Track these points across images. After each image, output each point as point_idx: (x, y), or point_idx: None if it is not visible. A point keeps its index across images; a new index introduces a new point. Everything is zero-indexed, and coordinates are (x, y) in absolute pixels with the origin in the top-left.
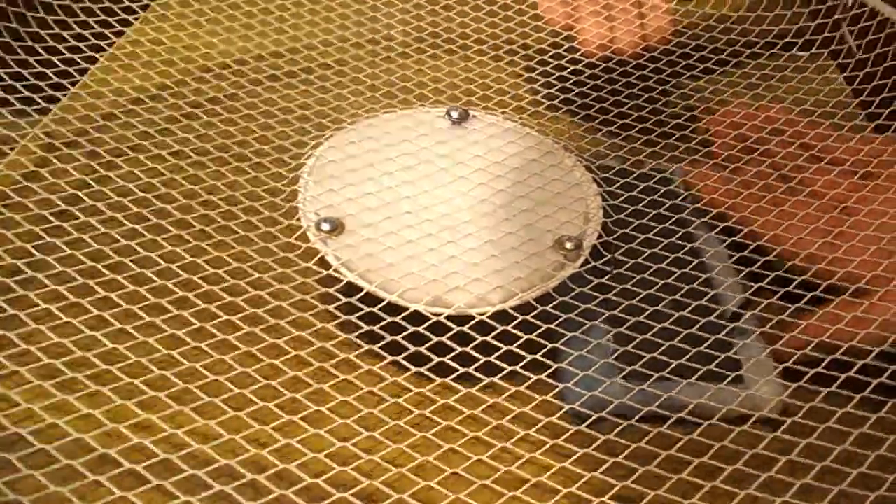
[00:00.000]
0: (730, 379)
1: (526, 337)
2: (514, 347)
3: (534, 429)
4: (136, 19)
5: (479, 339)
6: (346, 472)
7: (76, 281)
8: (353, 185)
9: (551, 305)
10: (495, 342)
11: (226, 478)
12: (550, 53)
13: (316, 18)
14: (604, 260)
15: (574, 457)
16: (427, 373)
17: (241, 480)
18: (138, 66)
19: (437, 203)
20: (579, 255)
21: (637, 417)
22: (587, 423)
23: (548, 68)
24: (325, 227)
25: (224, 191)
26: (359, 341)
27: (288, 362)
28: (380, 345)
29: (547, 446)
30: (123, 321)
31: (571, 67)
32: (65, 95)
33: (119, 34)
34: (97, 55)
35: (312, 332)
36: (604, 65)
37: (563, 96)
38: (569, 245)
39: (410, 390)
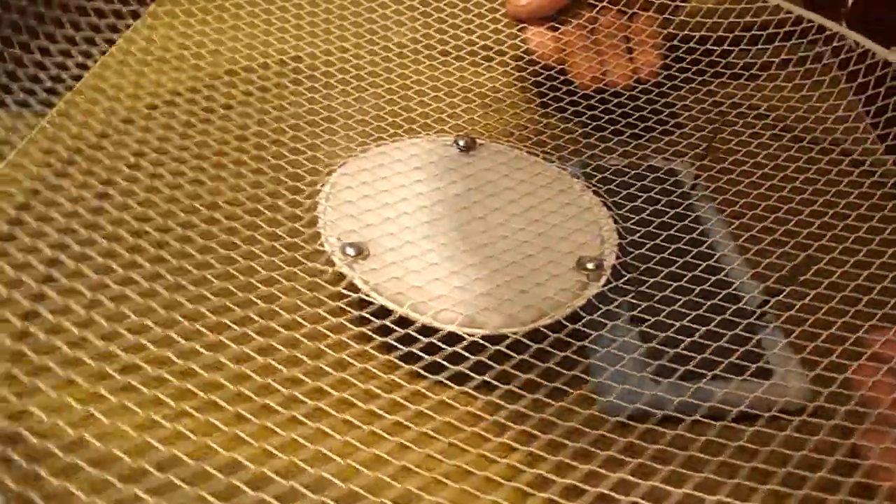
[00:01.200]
0: (758, 373)
1: (562, 354)
2: (552, 364)
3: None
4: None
5: (517, 357)
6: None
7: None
8: (372, 211)
9: (581, 323)
10: (533, 360)
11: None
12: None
13: (327, 25)
14: (625, 279)
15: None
16: (471, 391)
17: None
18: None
19: (455, 228)
20: (601, 275)
21: (657, 414)
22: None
23: (546, 99)
24: (350, 251)
25: (242, 216)
26: (399, 362)
27: (332, 384)
28: (419, 364)
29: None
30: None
31: (568, 99)
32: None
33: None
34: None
35: (352, 354)
36: (598, 96)
37: (562, 116)
38: (590, 265)
39: (456, 407)
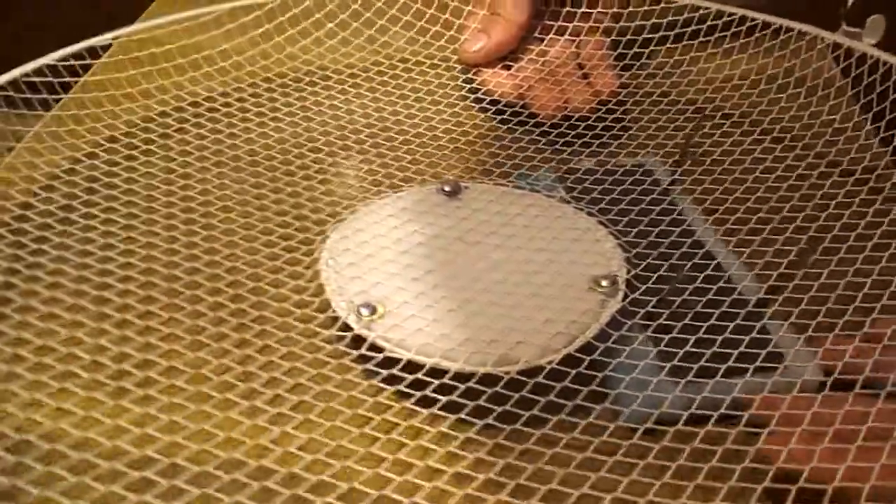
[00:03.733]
0: (774, 366)
1: (602, 374)
2: (595, 386)
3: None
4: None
5: (559, 385)
6: None
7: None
8: (376, 269)
9: (611, 341)
10: (572, 385)
11: None
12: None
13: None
14: (641, 290)
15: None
16: (522, 427)
17: None
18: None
19: (462, 271)
20: (617, 291)
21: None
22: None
23: (517, 134)
24: (365, 312)
25: (249, 297)
26: (445, 414)
27: (383, 447)
28: (465, 412)
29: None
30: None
31: (538, 130)
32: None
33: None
34: None
35: (394, 414)
36: (565, 123)
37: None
38: (605, 283)
39: (512, 448)
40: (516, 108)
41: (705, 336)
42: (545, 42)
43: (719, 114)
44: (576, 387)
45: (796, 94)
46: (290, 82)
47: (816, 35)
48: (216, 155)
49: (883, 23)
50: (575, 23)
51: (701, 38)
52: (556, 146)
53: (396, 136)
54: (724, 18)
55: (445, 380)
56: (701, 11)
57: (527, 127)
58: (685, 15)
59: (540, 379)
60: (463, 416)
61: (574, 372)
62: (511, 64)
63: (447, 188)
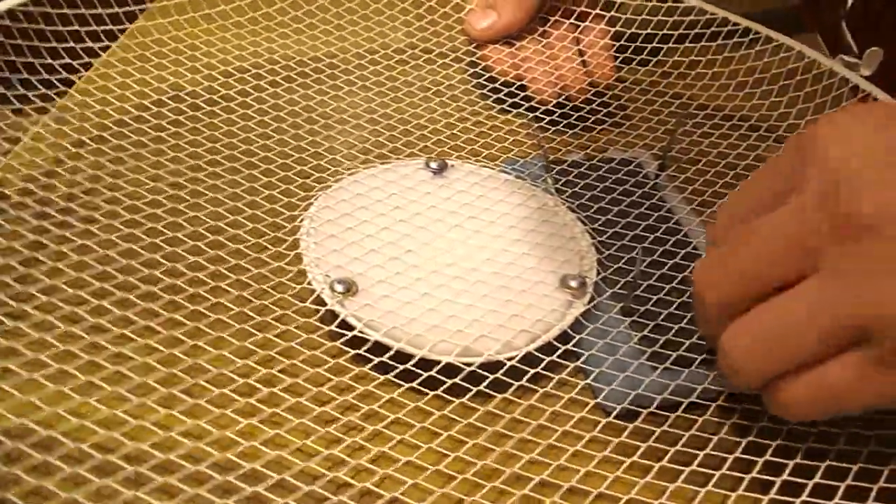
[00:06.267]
0: None
1: (558, 377)
2: (549, 388)
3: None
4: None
5: (516, 384)
6: None
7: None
8: (356, 244)
9: (574, 340)
10: (529, 385)
11: None
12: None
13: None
14: (608, 294)
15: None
16: (478, 423)
17: None
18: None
19: (439, 254)
20: (585, 293)
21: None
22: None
23: (509, 116)
24: (339, 288)
25: (229, 260)
26: (403, 399)
27: (340, 429)
28: (425, 401)
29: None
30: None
31: (531, 115)
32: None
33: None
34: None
35: (357, 396)
36: (560, 111)
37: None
38: (573, 283)
39: (466, 441)
40: (512, 89)
41: (678, 332)
42: (549, 23)
43: (716, 116)
44: (530, 386)
45: (805, 108)
46: (289, 71)
47: (814, 60)
48: (209, 129)
49: (880, 56)
50: (581, 7)
51: (704, 42)
52: (548, 133)
53: (393, 113)
54: (729, 27)
55: (409, 366)
56: (707, 16)
57: (520, 109)
58: (690, 17)
59: (499, 375)
60: (422, 405)
61: (531, 372)
62: (514, 41)
63: (434, 165)
